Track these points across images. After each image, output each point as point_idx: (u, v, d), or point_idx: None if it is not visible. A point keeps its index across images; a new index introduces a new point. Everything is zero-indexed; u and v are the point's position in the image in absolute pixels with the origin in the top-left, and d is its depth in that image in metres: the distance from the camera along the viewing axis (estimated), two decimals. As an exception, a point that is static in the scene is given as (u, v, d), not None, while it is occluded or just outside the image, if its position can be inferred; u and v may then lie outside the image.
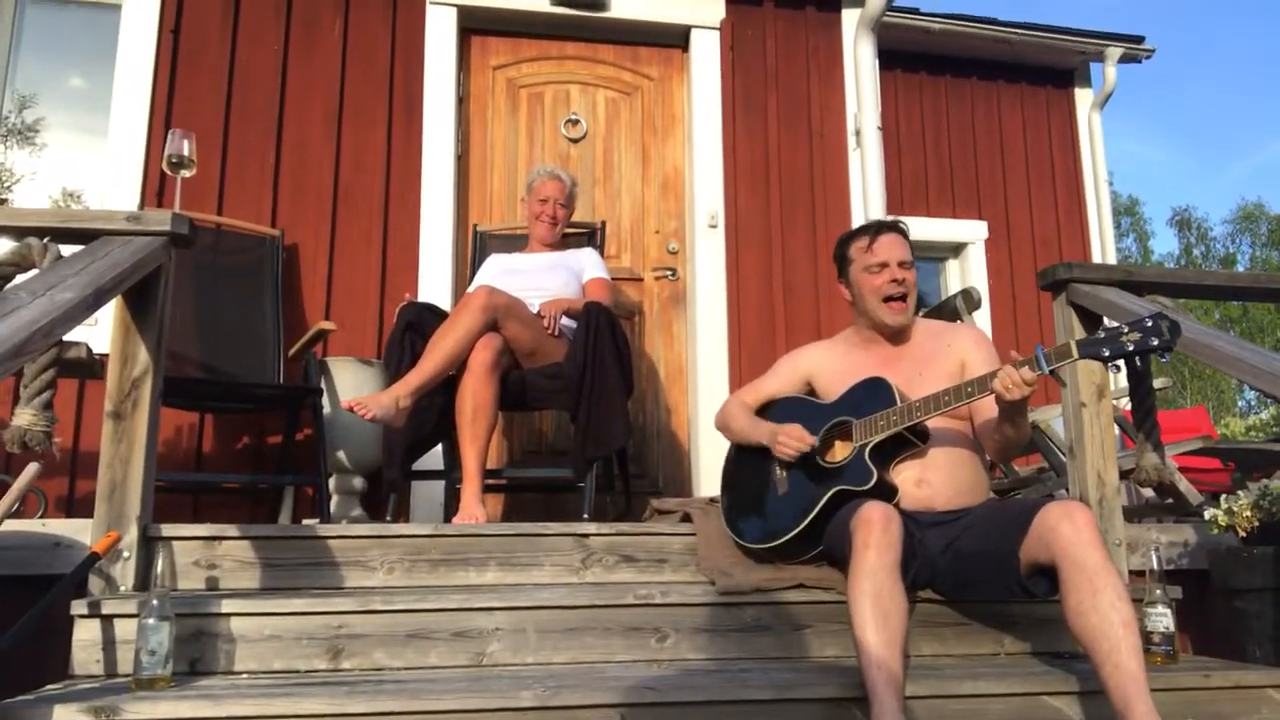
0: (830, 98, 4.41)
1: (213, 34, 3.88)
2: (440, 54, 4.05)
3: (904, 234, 2.37)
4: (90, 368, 2.57)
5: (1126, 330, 1.90)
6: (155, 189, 3.68)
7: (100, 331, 3.31)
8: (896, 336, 2.38)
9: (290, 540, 2.40)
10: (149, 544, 2.30)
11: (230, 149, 3.81)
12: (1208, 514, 2.45)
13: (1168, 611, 2.18)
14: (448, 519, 3.57)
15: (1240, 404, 26.65)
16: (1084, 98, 6.06)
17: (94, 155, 3.85)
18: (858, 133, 4.32)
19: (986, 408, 2.19)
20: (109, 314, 2.35)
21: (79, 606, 2.00)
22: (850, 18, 4.46)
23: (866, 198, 4.24)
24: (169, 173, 3.34)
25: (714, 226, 4.12)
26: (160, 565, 1.93)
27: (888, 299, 2.31)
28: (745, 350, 4.08)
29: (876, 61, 4.42)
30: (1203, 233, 33.35)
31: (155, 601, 1.85)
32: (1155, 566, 2.22)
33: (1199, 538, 2.75)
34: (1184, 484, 3.51)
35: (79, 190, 4.05)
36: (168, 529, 2.33)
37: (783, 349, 4.11)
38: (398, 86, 4.02)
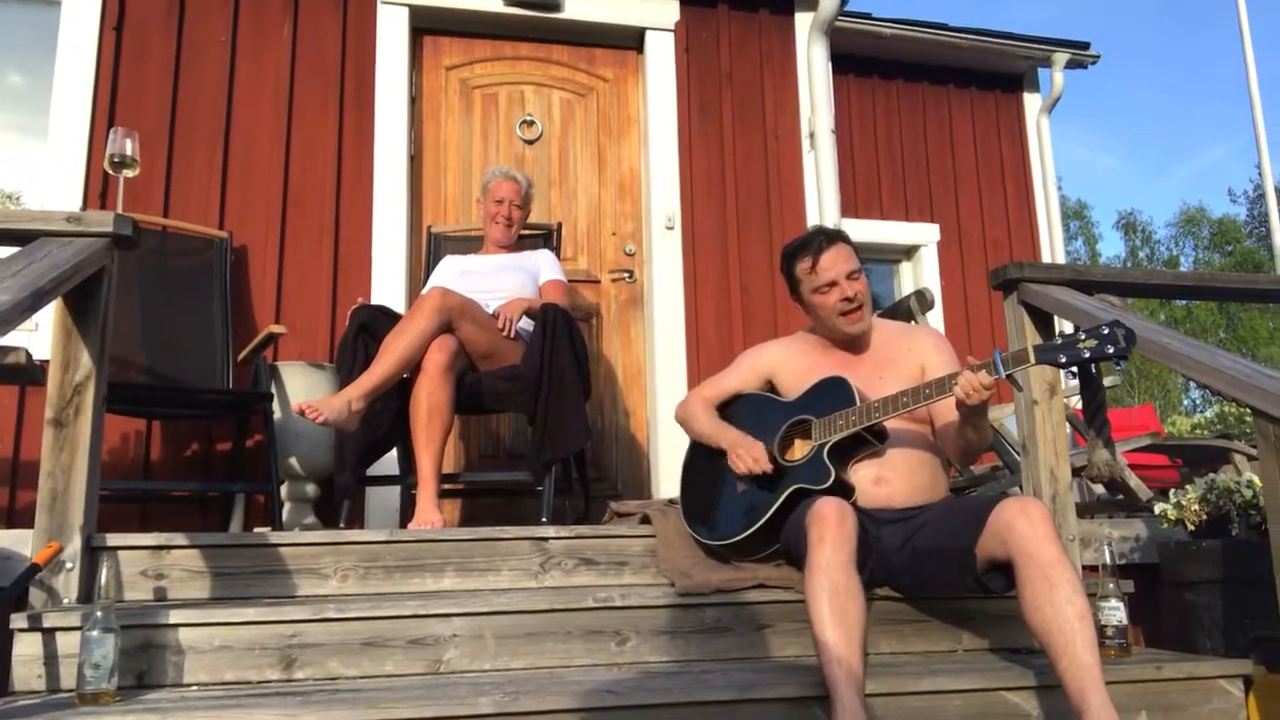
0: (784, 100, 4.43)
1: (156, 31, 3.78)
2: (392, 54, 4.00)
3: (847, 241, 2.37)
4: (30, 373, 2.50)
5: (1084, 337, 1.92)
6: (98, 190, 3.58)
7: (41, 337, 3.21)
8: (856, 341, 2.40)
9: (241, 549, 2.34)
10: (93, 554, 2.23)
11: (176, 149, 3.72)
12: (1158, 509, 2.49)
13: (1120, 605, 2.21)
14: (403, 525, 3.53)
15: (1186, 403, 27.36)
16: (1033, 102, 6.17)
17: (34, 155, 3.73)
18: (812, 135, 4.35)
19: (946, 411, 2.20)
20: (49, 319, 2.27)
21: (19, 620, 1.93)
22: (804, 21, 4.48)
23: (821, 200, 4.26)
24: (111, 173, 3.25)
25: (671, 228, 4.12)
26: (105, 576, 1.86)
27: (844, 313, 2.31)
28: (703, 352, 4.08)
29: (829, 65, 4.45)
30: (1147, 236, 34.22)
31: (99, 613, 1.80)
32: (1108, 561, 2.26)
33: (1149, 532, 2.80)
34: (1134, 480, 3.57)
35: (17, 192, 3.94)
36: (113, 538, 2.26)
37: (740, 350, 4.08)
38: (349, 86, 3.96)
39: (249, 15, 3.90)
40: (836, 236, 2.36)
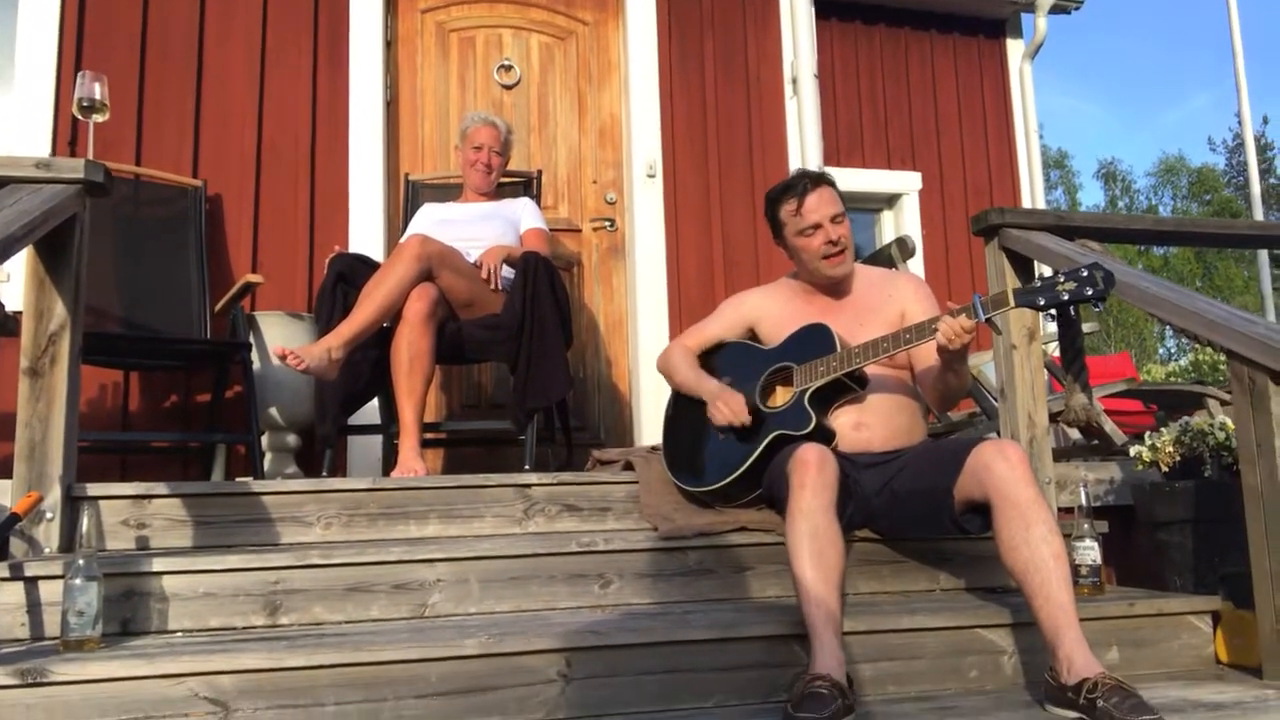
0: (766, 45, 4.38)
1: (123, -29, 3.68)
2: (367, -4, 3.91)
3: (831, 184, 2.35)
4: (3, 324, 2.46)
5: (1063, 280, 1.93)
6: (67, 137, 3.51)
7: (13, 288, 3.17)
8: (838, 287, 2.39)
9: (223, 497, 2.34)
10: (73, 504, 2.22)
11: (146, 97, 3.64)
12: (1133, 451, 2.53)
13: (1095, 545, 2.25)
14: (386, 474, 3.53)
15: (1161, 351, 27.66)
16: (1015, 48, 6.11)
17: (-1, 101, 3.65)
18: (794, 80, 4.31)
19: (926, 356, 2.22)
20: (21, 269, 2.24)
21: (0, 569, 1.93)
22: (786, -37, 4.42)
23: (804, 146, 4.24)
24: (80, 117, 3.17)
25: (652, 176, 4.08)
26: (86, 525, 1.86)
27: (827, 256, 2.31)
28: (685, 300, 4.08)
29: (812, 9, 4.39)
30: (1127, 185, 34.33)
31: (81, 561, 1.79)
32: (1084, 503, 2.30)
33: (1124, 475, 2.84)
34: (1109, 425, 3.61)
35: (-18, 141, 3.84)
36: (93, 488, 2.25)
37: (722, 298, 4.05)
38: (323, 30, 3.87)
39: (218, -46, 3.80)
40: (821, 179, 2.34)
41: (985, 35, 6.06)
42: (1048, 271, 2.63)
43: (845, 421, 2.24)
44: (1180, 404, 4.39)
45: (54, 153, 3.48)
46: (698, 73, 4.27)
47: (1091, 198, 34.55)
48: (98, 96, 3.14)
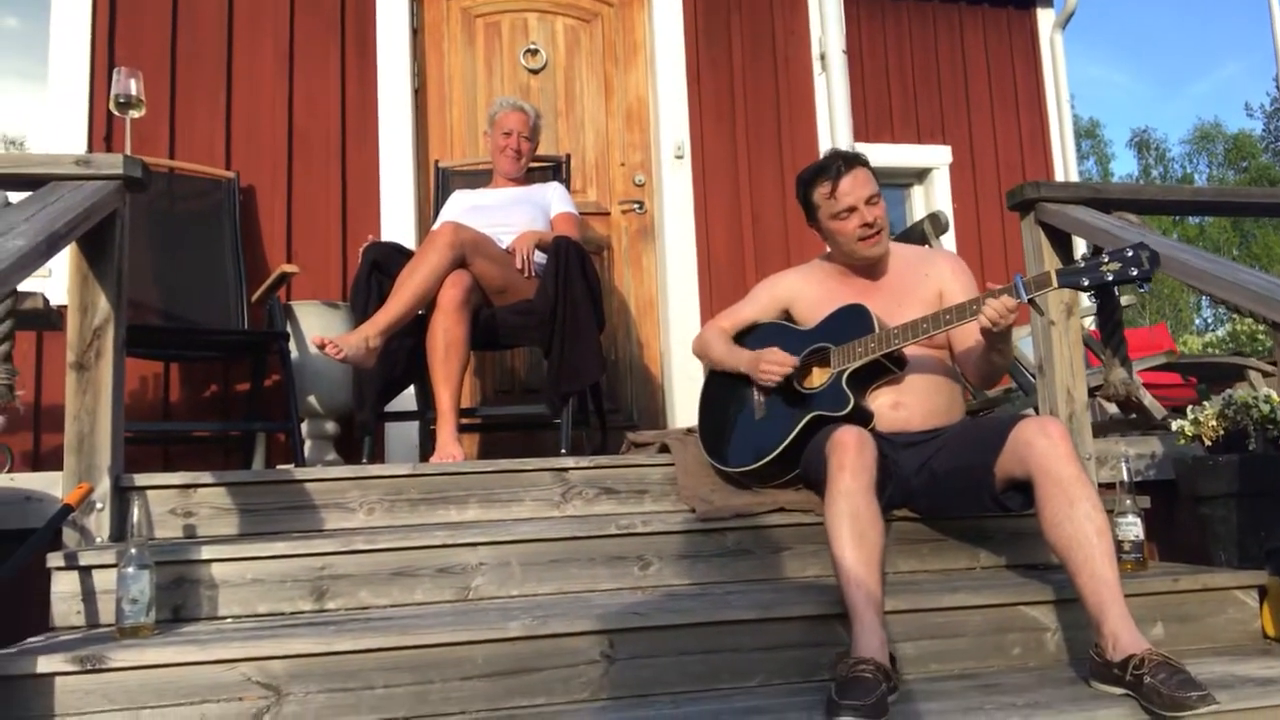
0: (794, 22, 4.34)
1: (153, -32, 3.71)
2: (392, -16, 3.92)
3: (865, 165, 2.33)
4: (48, 318, 2.52)
5: (1106, 260, 1.90)
6: (103, 132, 3.56)
7: (55, 282, 3.23)
8: (873, 267, 2.37)
9: (267, 485, 2.38)
10: (122, 494, 2.27)
11: (179, 90, 3.68)
12: (1175, 425, 2.50)
13: (1137, 520, 2.24)
14: (424, 459, 3.57)
15: (1197, 322, 27.22)
16: (1045, 18, 6.00)
17: (34, 100, 3.70)
18: (822, 57, 4.27)
19: (966, 335, 2.20)
20: (64, 265, 2.28)
21: (55, 559, 1.97)
22: (812, -61, 4.37)
23: (833, 124, 4.20)
24: (116, 113, 3.21)
25: (680, 157, 4.07)
26: (136, 515, 1.90)
27: (863, 238, 2.29)
28: (715, 281, 4.07)
29: (840, -17, 4.34)
30: (1161, 154, 33.70)
31: (134, 550, 1.83)
32: (1125, 478, 2.27)
33: (1165, 449, 2.81)
34: (1148, 398, 3.57)
35: (20, 137, 3.91)
36: (141, 478, 2.29)
37: (753, 279, 4.10)
38: (349, 19, 3.89)
39: (245, -52, 3.82)
40: (855, 160, 2.32)
41: (1014, 6, 5.96)
42: (1081, 246, 2.60)
43: (883, 401, 2.23)
44: (1220, 376, 4.34)
45: (90, 148, 3.53)
46: (725, 51, 4.24)
47: (1124, 167, 34.01)
48: (134, 92, 3.18)
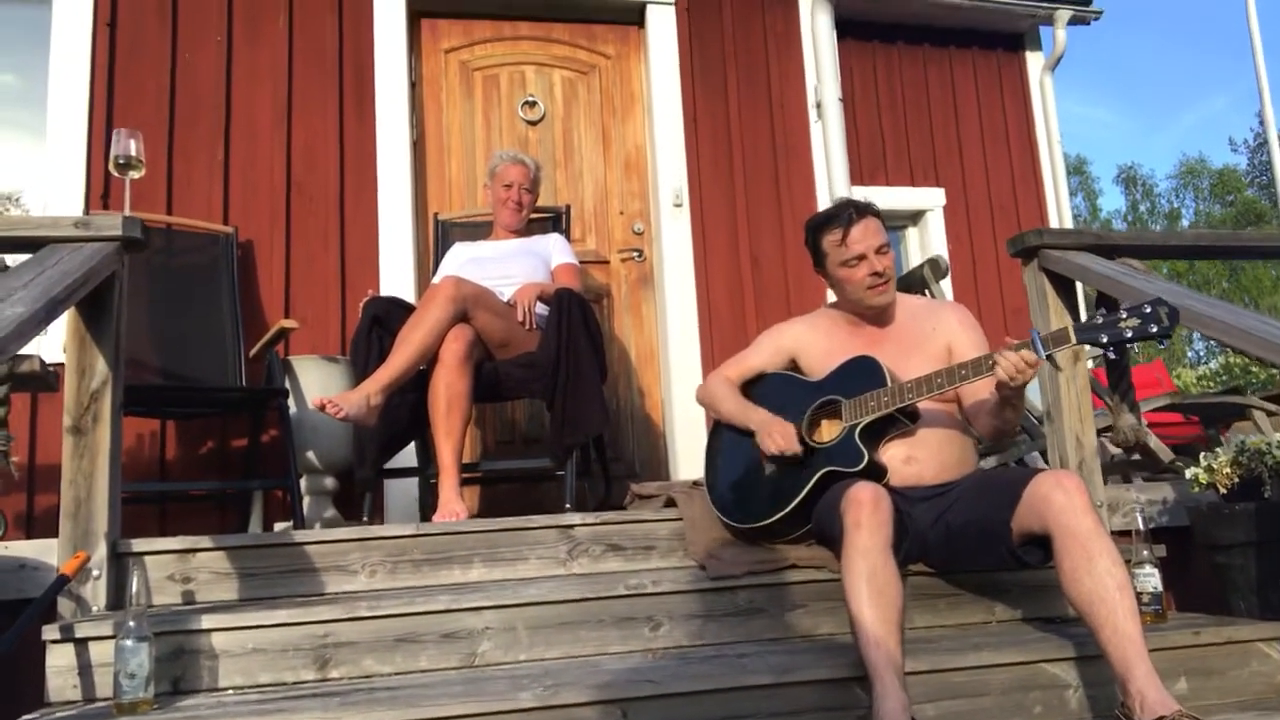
0: (789, 71, 4.37)
1: (151, 26, 3.73)
2: (390, 39, 3.94)
3: (877, 215, 2.32)
4: (45, 379, 2.48)
5: (1124, 316, 1.89)
6: (100, 190, 3.55)
7: (51, 341, 3.19)
8: (880, 317, 2.36)
9: (266, 549, 2.33)
10: (119, 560, 2.22)
11: (176, 145, 3.68)
12: (1189, 473, 2.47)
13: (1155, 571, 2.20)
14: (424, 516, 3.52)
15: (1190, 355, 27.30)
16: (1035, 61, 6.08)
17: (31, 156, 3.69)
18: (818, 105, 4.30)
19: (977, 389, 2.18)
20: (60, 322, 2.25)
21: (50, 632, 1.92)
22: (806, -11, 4.42)
23: (830, 170, 4.22)
24: (116, 174, 3.19)
25: (679, 205, 4.07)
26: (136, 585, 1.85)
27: (871, 287, 2.28)
28: (716, 329, 4.05)
29: (834, 33, 4.39)
30: (1148, 189, 34.01)
31: (132, 622, 1.78)
32: (1141, 527, 2.24)
33: (1176, 495, 2.78)
34: (1154, 441, 3.55)
35: (16, 192, 3.89)
36: (138, 544, 2.25)
37: (754, 326, 4.09)
38: (348, 74, 3.90)
39: (243, 6, 3.84)
40: (866, 210, 2.31)
41: (1004, 49, 6.03)
42: (1080, 290, 2.58)
43: (895, 456, 2.20)
44: (1222, 415, 4.32)
45: (88, 205, 3.51)
46: (721, 100, 4.27)
47: (1112, 203, 34.35)
48: (134, 153, 3.16)
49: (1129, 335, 1.88)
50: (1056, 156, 6.07)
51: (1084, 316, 2.74)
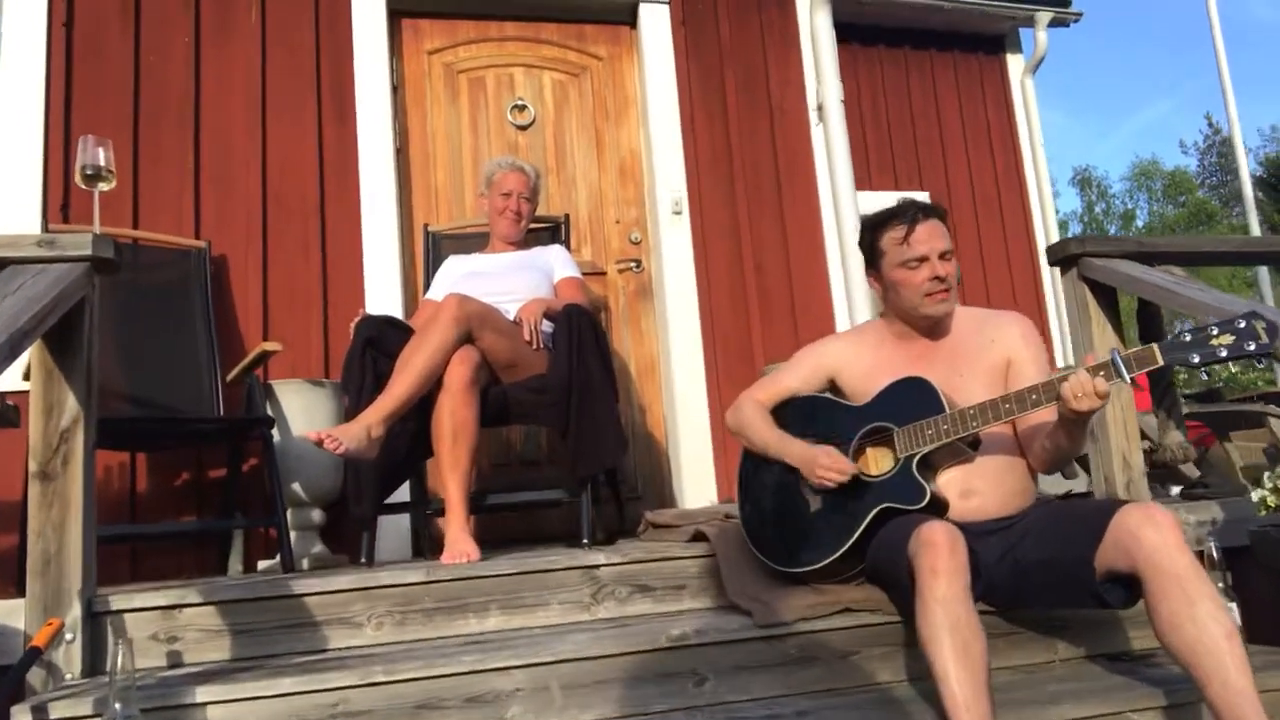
0: (789, 72, 4.21)
1: (113, 26, 3.45)
2: (370, 40, 3.71)
3: (943, 219, 2.13)
4: (4, 415, 2.22)
5: (1215, 332, 1.71)
6: (59, 202, 3.27)
7: (11, 370, 2.91)
8: (935, 328, 2.16)
9: (261, 602, 2.09)
10: (95, 620, 1.98)
11: (142, 153, 3.40)
12: (1255, 495, 2.33)
13: (1233, 605, 2.05)
14: (418, 552, 3.29)
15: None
16: (1015, 64, 6.02)
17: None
18: (820, 107, 4.14)
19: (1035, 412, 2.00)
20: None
21: (21, 713, 1.67)
22: (804, -12, 4.26)
23: (834, 174, 4.06)
24: (84, 186, 2.89)
25: (678, 213, 3.88)
26: (121, 659, 1.60)
27: (930, 293, 2.09)
28: (719, 340, 3.87)
29: (834, 33, 4.23)
30: (1103, 190, 34.54)
31: (118, 705, 1.55)
32: (1215, 555, 2.09)
33: (1226, 514, 2.64)
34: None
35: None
36: (117, 599, 2.01)
37: (758, 337, 3.92)
38: (325, 77, 3.66)
39: (212, 3, 3.58)
40: (933, 210, 2.12)
41: (984, 52, 5.95)
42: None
43: (952, 487, 2.02)
44: (1237, 424, 4.23)
45: (45, 219, 3.23)
46: (719, 103, 4.09)
47: (1068, 204, 34.75)
48: (103, 163, 2.83)
49: (1224, 354, 1.72)
50: (1040, 158, 5.98)
51: (1095, 326, 2.61)
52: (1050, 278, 5.84)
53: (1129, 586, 1.78)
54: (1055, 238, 5.96)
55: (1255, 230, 11.05)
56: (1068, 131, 56.50)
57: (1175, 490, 3.40)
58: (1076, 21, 6.20)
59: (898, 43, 5.68)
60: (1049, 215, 6.01)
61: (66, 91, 3.36)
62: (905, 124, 5.60)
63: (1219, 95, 11.26)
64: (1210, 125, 33.53)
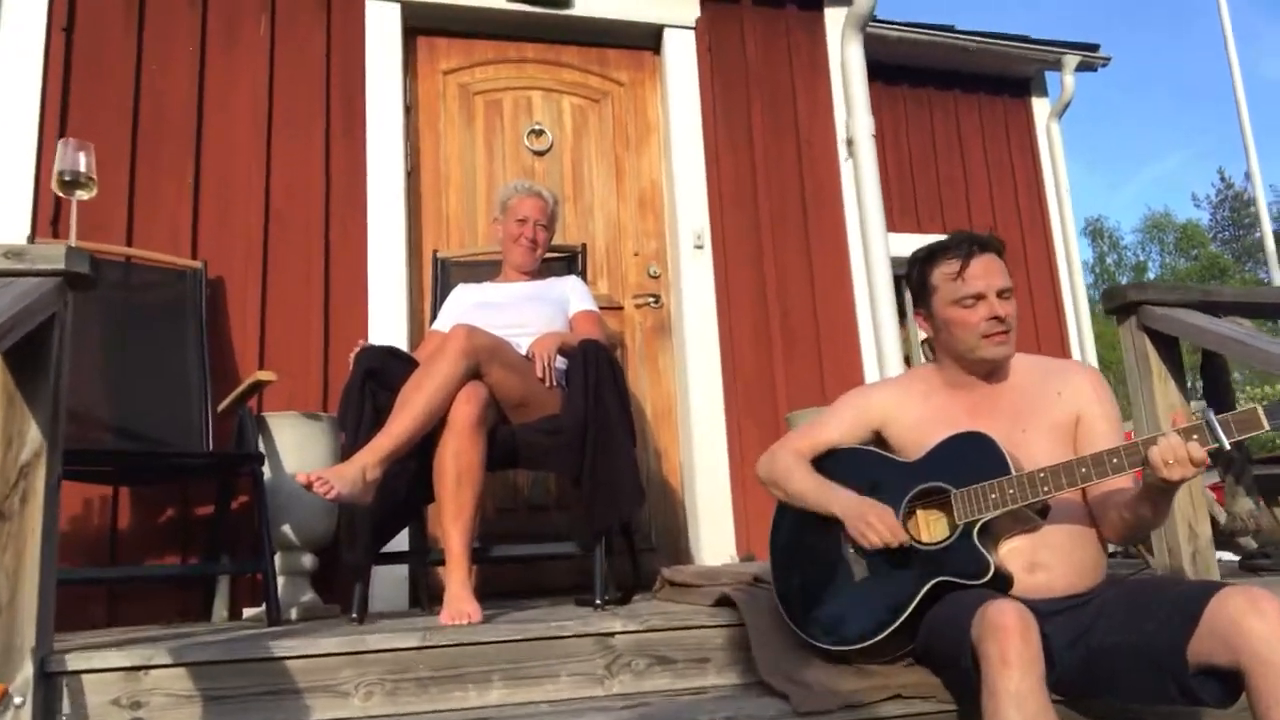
0: (817, 104, 4.04)
1: (115, 31, 3.30)
2: (383, 57, 3.55)
3: (1000, 254, 1.94)
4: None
5: None
6: (49, 215, 3.09)
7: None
8: (993, 374, 1.95)
9: (238, 664, 1.87)
10: (50, 680, 1.76)
11: (140, 167, 3.23)
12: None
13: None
14: (415, 602, 3.07)
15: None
16: (1041, 108, 5.92)
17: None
18: (849, 141, 3.96)
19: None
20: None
21: (-51, 797, 1.45)
22: (834, 17, 4.11)
23: (863, 211, 3.88)
24: (61, 194, 2.71)
25: (700, 247, 3.70)
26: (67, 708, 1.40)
27: (987, 335, 1.88)
28: (740, 382, 3.66)
29: (865, 64, 4.07)
30: (1114, 241, 34.48)
31: (57, 795, 1.32)
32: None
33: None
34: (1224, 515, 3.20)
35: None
36: (74, 659, 1.79)
37: (781, 379, 3.71)
38: (335, 94, 3.49)
39: (219, 11, 3.43)
40: (989, 244, 1.92)
41: (1010, 94, 5.85)
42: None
43: (1015, 559, 1.79)
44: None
45: (34, 232, 3.05)
46: (744, 133, 3.92)
47: (1079, 254, 34.66)
48: (82, 169, 2.65)
49: (1334, 416, 1.51)
50: (1065, 203, 5.85)
51: (1157, 379, 2.41)
52: (1075, 328, 5.66)
53: (1224, 680, 1.56)
54: (1081, 286, 5.79)
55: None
56: (1080, 183, 56.72)
57: (1226, 558, 3.18)
58: (1105, 66, 6.08)
59: (921, 82, 5.59)
60: (1074, 263, 5.85)
61: (63, 99, 3.20)
62: (928, 165, 5.48)
63: (1230, 149, 11.21)
64: (1223, 179, 33.56)
